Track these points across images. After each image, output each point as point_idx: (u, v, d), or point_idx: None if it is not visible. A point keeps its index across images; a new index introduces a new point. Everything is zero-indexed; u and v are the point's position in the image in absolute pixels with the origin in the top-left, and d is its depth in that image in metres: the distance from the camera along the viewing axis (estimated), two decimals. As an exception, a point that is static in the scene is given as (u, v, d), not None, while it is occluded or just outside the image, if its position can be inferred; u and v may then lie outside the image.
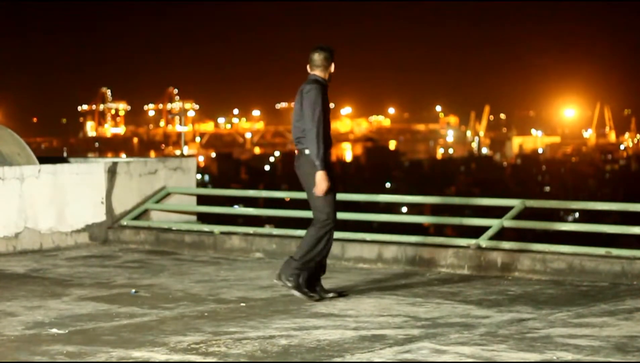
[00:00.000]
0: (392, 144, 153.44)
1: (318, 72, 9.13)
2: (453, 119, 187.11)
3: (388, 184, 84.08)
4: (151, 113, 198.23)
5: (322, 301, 8.91)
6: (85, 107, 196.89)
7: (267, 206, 16.71)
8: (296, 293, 8.97)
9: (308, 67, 9.19)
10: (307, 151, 8.96)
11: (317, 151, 8.83)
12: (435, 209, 56.85)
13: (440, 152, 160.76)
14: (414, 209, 61.61)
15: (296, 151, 9.13)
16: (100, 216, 13.35)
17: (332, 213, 8.95)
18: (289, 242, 11.82)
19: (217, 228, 12.71)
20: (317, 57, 9.14)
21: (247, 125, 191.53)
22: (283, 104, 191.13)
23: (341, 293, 9.26)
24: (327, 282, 9.67)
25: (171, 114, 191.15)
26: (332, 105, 9.43)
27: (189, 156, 14.96)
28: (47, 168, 12.97)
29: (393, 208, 56.73)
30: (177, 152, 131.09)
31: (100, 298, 9.32)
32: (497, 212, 12.33)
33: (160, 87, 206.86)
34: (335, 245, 10.25)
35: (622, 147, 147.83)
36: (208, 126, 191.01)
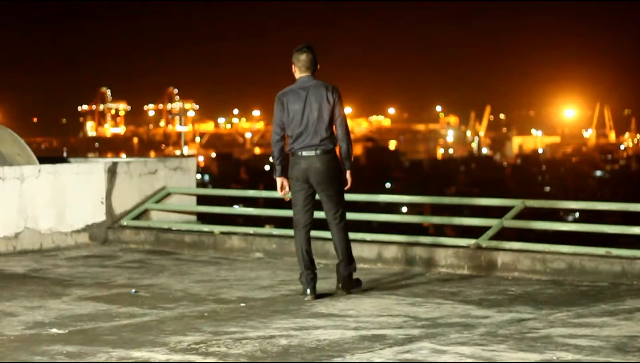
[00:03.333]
0: (392, 144, 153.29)
1: (310, 73, 9.14)
2: (453, 119, 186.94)
3: (388, 184, 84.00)
4: (151, 113, 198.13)
5: (321, 301, 8.91)
6: (85, 107, 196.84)
7: (267, 206, 16.68)
8: (356, 289, 9.37)
9: (296, 68, 9.13)
10: (325, 151, 9.10)
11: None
12: (435, 209, 56.85)
13: (440, 152, 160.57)
14: (414, 209, 61.58)
15: (314, 151, 9.15)
16: (100, 216, 13.35)
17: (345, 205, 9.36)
18: (289, 242, 11.81)
19: (217, 228, 12.71)
20: (307, 57, 9.11)
21: (247, 125, 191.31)
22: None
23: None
24: (327, 282, 9.68)
25: (171, 114, 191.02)
26: None
27: (189, 156, 14.96)
28: (47, 168, 12.97)
29: (393, 208, 56.67)
30: (177, 152, 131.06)
31: (100, 298, 9.32)
32: (497, 212, 12.32)
33: (160, 87, 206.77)
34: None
35: (622, 147, 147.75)
36: (208, 126, 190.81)
